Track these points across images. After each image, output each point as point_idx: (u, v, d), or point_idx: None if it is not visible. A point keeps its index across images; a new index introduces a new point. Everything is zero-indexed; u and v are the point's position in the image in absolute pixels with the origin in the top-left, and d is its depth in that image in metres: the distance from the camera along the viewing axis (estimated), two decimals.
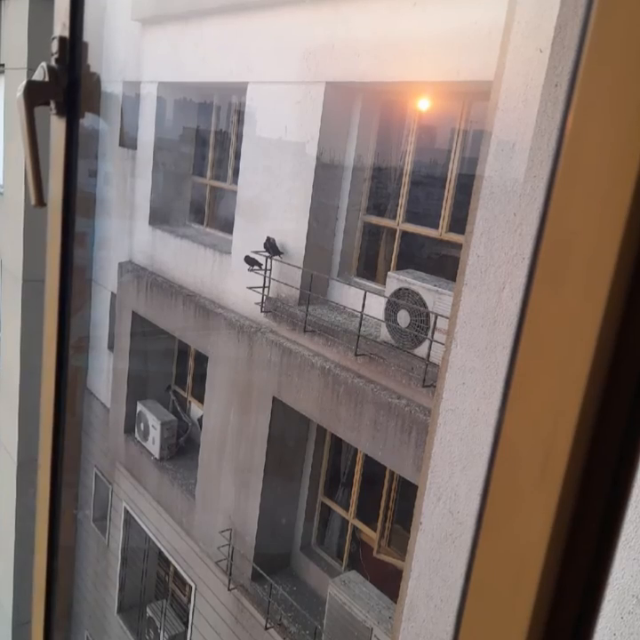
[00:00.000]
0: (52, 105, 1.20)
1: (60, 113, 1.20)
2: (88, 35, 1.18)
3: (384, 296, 4.93)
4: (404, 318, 4.75)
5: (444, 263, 5.11)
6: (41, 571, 1.45)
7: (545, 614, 0.43)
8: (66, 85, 1.18)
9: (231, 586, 6.62)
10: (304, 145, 5.62)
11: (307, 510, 6.55)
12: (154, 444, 7.84)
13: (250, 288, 6.09)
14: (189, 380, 8.31)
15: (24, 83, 1.15)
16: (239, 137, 6.75)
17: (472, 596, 0.48)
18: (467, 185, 4.51)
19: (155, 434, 7.80)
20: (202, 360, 7.49)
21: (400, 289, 4.78)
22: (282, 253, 5.88)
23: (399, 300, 4.77)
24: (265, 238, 5.89)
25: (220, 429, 6.70)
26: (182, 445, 8.02)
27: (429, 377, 4.47)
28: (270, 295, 6.05)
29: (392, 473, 5.72)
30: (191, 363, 8.24)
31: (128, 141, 8.21)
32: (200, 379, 7.73)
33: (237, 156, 6.85)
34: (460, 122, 4.92)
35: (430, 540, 2.81)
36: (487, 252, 2.49)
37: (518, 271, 2.36)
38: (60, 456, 1.39)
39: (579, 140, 0.40)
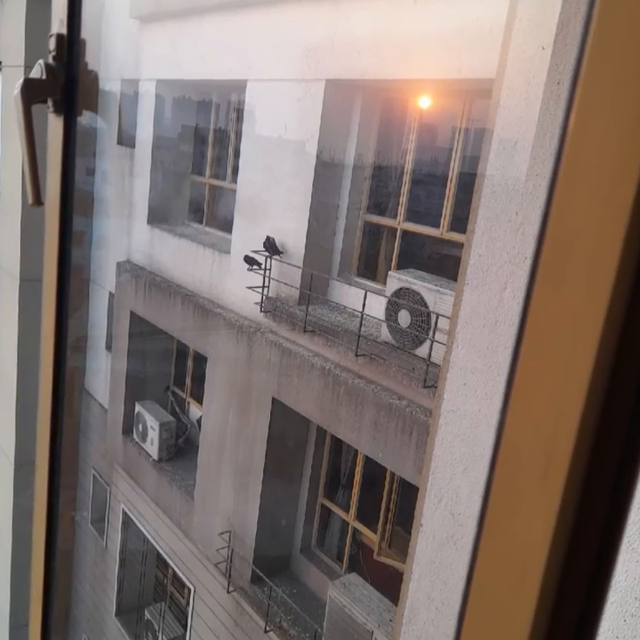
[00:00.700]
0: (50, 103, 1.20)
1: (57, 111, 1.20)
2: (86, 32, 1.17)
3: (385, 296, 4.92)
4: (404, 318, 4.74)
5: (445, 263, 5.10)
6: (38, 573, 1.45)
7: (547, 617, 0.43)
8: (63, 83, 1.17)
9: (230, 588, 6.59)
10: (304, 143, 5.60)
11: (306, 512, 6.53)
12: (152, 445, 7.82)
13: (249, 288, 6.07)
14: (188, 380, 8.29)
15: (21, 80, 1.15)
16: (238, 135, 6.74)
17: (473, 599, 0.48)
18: (468, 183, 4.50)
19: (153, 435, 7.78)
20: (201, 360, 7.47)
21: (401, 289, 4.77)
22: (281, 253, 5.87)
23: (400, 299, 4.76)
24: (264, 237, 5.87)
25: (220, 430, 6.69)
26: (181, 446, 8.00)
27: (430, 377, 4.46)
28: (270, 295, 6.04)
29: (393, 474, 5.70)
30: (190, 363, 8.22)
31: (126, 140, 8.19)
32: (199, 379, 7.72)
33: (237, 154, 6.84)
34: (461, 120, 4.91)
35: (431, 542, 2.80)
36: (489, 251, 2.48)
37: (520, 271, 2.36)
38: (58, 457, 1.38)
39: (581, 138, 0.40)
